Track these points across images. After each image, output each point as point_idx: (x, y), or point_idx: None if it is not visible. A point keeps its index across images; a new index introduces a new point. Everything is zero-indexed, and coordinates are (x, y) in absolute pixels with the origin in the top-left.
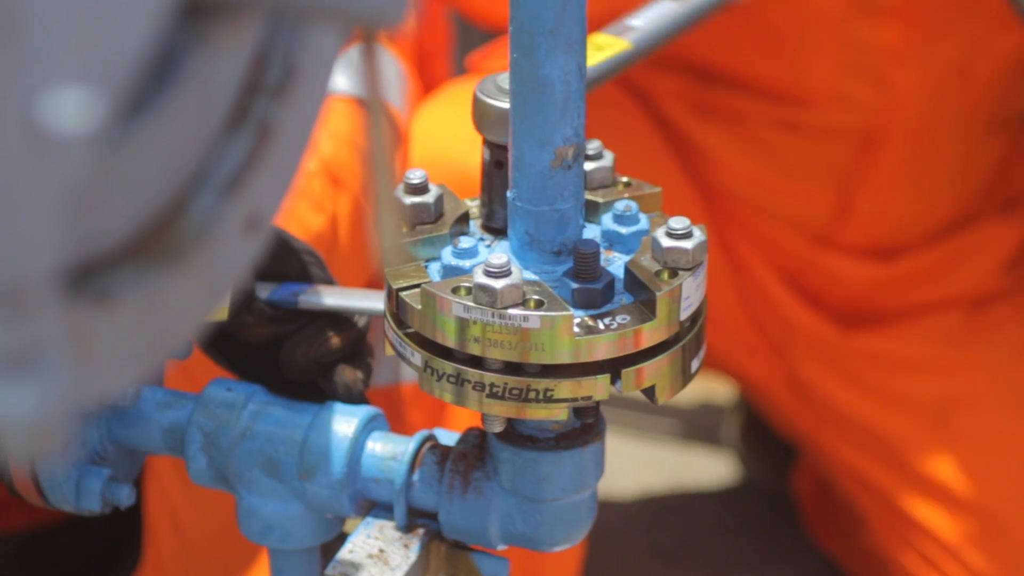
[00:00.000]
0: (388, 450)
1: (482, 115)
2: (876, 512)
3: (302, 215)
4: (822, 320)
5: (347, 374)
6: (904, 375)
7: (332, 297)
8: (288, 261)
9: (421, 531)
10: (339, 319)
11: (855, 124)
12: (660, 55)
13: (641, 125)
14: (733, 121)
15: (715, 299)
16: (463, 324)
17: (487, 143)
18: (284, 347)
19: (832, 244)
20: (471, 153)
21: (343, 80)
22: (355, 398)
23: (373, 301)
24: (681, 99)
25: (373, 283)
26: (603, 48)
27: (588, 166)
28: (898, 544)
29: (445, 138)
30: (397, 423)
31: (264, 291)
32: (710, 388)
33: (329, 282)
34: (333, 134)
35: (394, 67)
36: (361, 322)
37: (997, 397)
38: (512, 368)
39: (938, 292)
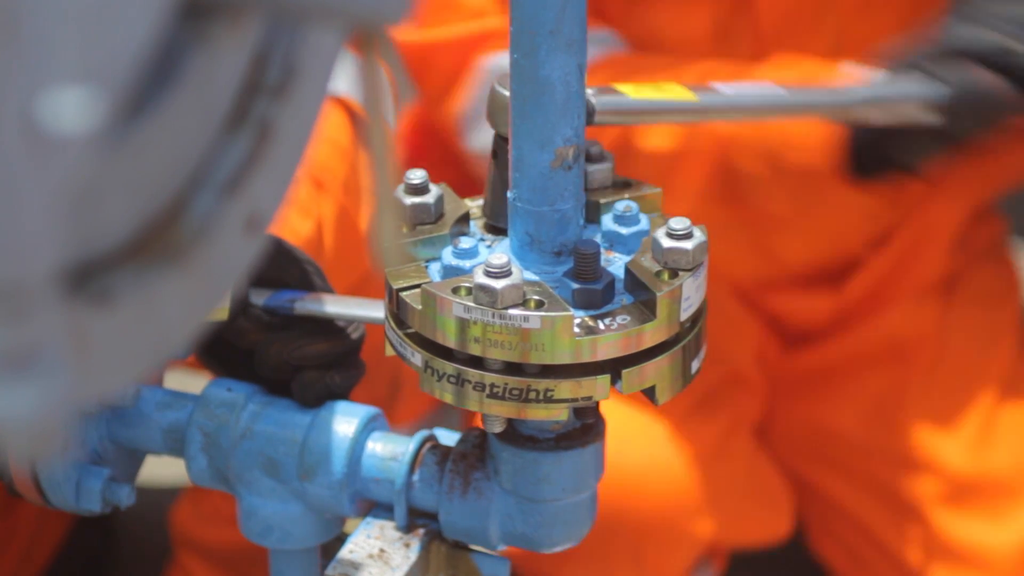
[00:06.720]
0: (388, 450)
1: (493, 105)
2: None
3: (292, 222)
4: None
5: (309, 377)
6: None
7: (329, 305)
8: (289, 269)
9: (421, 531)
10: (332, 329)
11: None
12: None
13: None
14: None
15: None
16: (463, 324)
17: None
18: (260, 344)
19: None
20: None
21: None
22: (308, 402)
23: (370, 310)
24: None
25: (358, 288)
26: (664, 92)
27: (589, 167)
28: None
29: None
30: None
31: (260, 297)
32: None
33: (328, 291)
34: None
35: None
36: (355, 334)
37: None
38: (512, 368)
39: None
